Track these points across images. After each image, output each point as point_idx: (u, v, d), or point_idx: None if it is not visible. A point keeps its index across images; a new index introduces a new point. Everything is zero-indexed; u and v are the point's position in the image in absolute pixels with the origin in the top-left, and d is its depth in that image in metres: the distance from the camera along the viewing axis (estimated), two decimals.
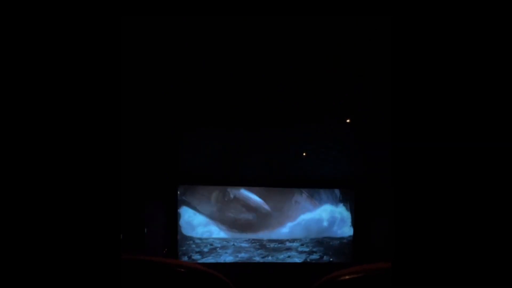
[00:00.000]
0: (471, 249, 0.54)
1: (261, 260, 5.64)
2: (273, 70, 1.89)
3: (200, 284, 0.63)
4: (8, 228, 0.50)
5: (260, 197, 5.57)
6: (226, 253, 5.50)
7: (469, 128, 0.54)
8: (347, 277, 0.64)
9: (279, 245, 5.64)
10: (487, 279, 0.53)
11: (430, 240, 0.55)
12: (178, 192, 5.25)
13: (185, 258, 5.33)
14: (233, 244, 5.50)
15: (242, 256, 5.56)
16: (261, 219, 5.57)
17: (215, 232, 5.44)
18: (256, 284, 5.56)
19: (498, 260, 0.53)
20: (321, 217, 5.69)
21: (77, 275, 0.53)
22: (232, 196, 5.46)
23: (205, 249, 5.43)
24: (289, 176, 5.60)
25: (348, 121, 2.74)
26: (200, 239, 5.40)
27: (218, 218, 5.44)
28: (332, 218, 5.73)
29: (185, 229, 5.34)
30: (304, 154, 3.94)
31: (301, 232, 5.66)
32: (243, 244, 5.56)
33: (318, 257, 5.73)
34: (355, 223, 5.86)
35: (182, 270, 0.62)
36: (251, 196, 5.55)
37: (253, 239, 5.58)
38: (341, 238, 5.73)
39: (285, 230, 5.64)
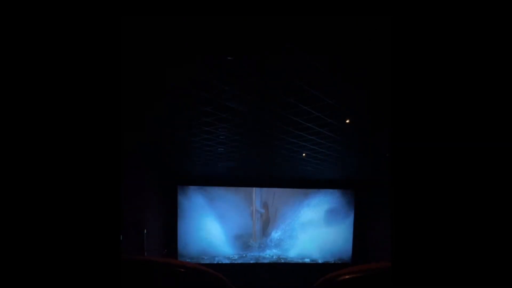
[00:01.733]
0: (470, 249, 0.54)
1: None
2: (273, 70, 1.89)
3: (200, 283, 0.63)
4: (9, 229, 0.50)
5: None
6: None
7: (469, 128, 0.54)
8: (347, 276, 0.64)
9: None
10: (487, 279, 0.53)
11: (429, 240, 0.55)
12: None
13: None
14: None
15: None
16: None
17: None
18: (256, 284, 5.57)
19: (498, 260, 0.53)
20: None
21: (78, 275, 0.53)
22: None
23: None
24: (288, 176, 5.60)
25: (347, 121, 2.73)
26: None
27: None
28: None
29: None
30: (304, 154, 3.94)
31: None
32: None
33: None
34: (355, 223, 5.87)
35: (182, 270, 0.62)
36: None
37: None
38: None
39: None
